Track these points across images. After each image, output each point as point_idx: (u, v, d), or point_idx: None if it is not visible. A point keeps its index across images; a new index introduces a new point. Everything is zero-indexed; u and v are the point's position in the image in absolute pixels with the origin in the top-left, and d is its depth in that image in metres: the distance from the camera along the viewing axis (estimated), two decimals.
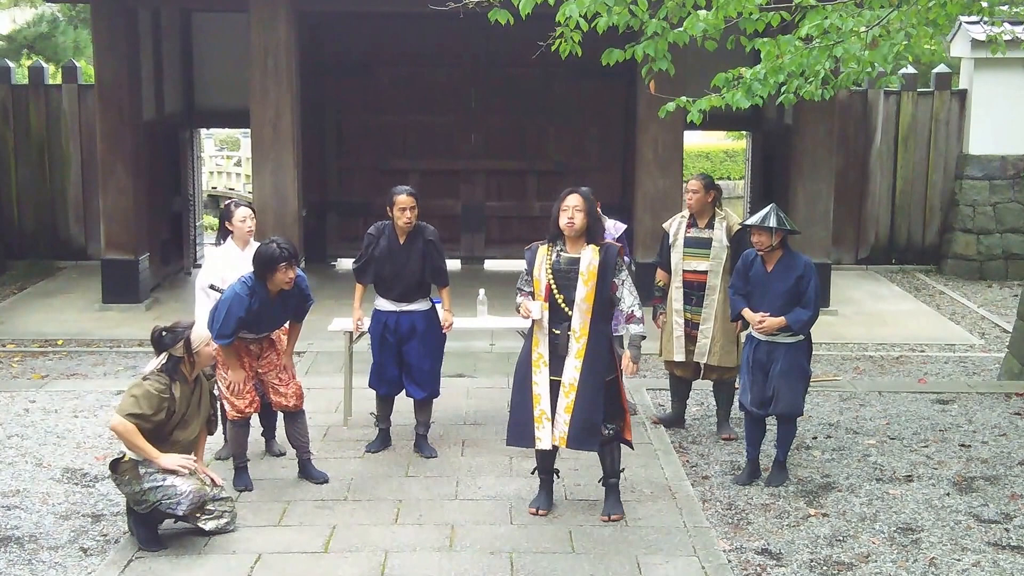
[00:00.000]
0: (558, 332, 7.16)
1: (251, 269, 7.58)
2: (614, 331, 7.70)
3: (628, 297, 7.19)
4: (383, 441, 8.59)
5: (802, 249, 13.40)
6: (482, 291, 9.45)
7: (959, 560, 6.74)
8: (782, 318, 7.70)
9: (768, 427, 8.26)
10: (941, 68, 16.76)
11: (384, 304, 8.39)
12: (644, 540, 6.98)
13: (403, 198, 8.17)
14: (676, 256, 8.75)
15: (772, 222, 7.67)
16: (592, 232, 7.16)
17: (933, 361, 11.72)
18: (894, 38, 7.25)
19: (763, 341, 7.86)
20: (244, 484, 7.73)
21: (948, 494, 7.78)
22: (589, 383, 7.12)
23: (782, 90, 7.45)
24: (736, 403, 8.76)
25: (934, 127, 16.50)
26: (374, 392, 8.62)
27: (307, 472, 7.91)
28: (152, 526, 6.86)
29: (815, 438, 8.84)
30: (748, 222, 7.94)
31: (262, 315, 7.56)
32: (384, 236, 8.31)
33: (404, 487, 7.85)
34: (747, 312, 7.88)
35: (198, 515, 6.90)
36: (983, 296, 14.90)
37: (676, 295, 8.77)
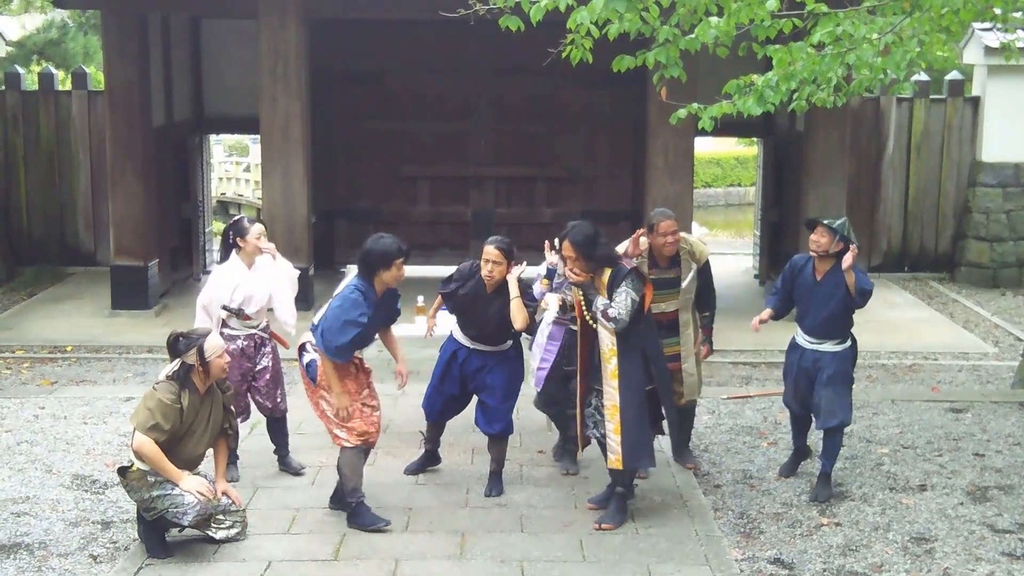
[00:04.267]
0: (592, 347, 7.41)
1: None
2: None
3: (615, 301, 7.08)
4: (425, 462, 8.31)
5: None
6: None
7: (973, 570, 6.70)
8: (854, 276, 7.60)
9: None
10: (954, 75, 16.69)
11: (460, 336, 7.96)
12: (655, 549, 6.95)
13: (490, 249, 7.68)
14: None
15: (837, 224, 7.72)
16: (604, 259, 7.23)
17: (946, 369, 11.66)
18: (907, 45, 7.22)
19: (809, 349, 7.88)
20: (373, 522, 7.28)
21: (962, 503, 7.73)
22: (631, 401, 7.18)
23: (794, 97, 7.41)
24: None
25: (947, 134, 16.43)
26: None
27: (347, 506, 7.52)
28: (160, 533, 6.85)
29: None
30: (816, 219, 7.90)
31: (371, 323, 7.20)
32: (474, 280, 7.77)
33: (414, 495, 7.82)
34: (765, 312, 7.96)
35: (209, 524, 6.88)
36: (996, 304, 14.83)
37: None
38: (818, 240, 7.76)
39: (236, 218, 8.26)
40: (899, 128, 16.45)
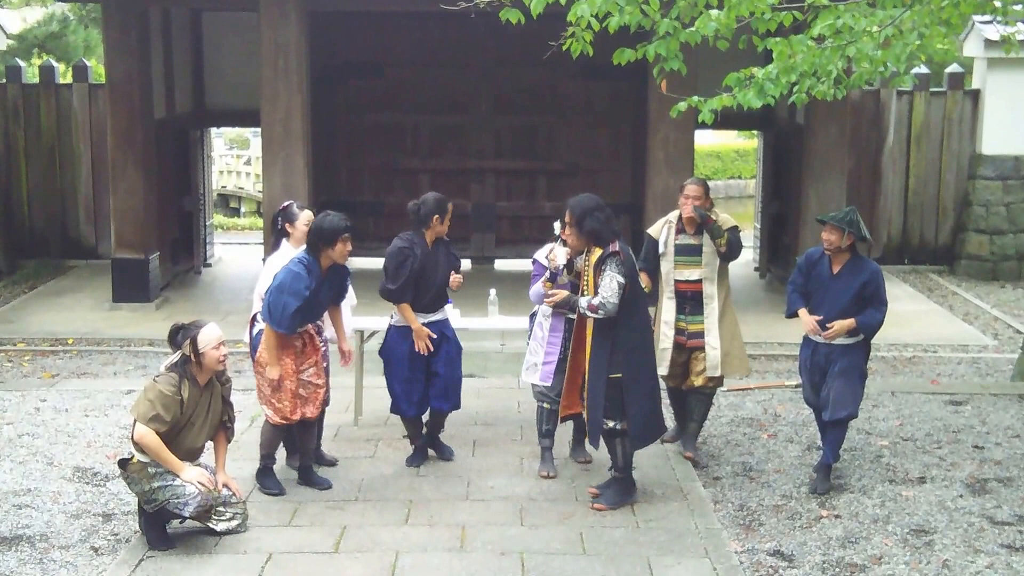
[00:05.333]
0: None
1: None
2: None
3: (600, 286, 7.20)
4: (423, 454, 8.36)
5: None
6: (493, 291, 9.42)
7: (972, 562, 6.71)
8: (851, 320, 7.64)
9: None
10: (954, 68, 16.69)
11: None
12: (655, 542, 6.96)
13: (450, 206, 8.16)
14: (667, 265, 8.28)
15: (841, 219, 7.68)
16: (598, 236, 7.31)
17: (946, 362, 11.68)
18: (907, 38, 7.22)
19: (821, 343, 7.82)
20: (271, 487, 7.64)
21: (961, 496, 7.75)
22: (595, 383, 7.31)
23: (794, 90, 7.42)
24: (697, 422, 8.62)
25: (947, 127, 16.44)
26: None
27: (308, 479, 7.76)
28: (161, 525, 6.87)
29: None
30: (822, 217, 7.91)
31: (315, 297, 7.38)
32: (417, 246, 7.99)
33: (415, 487, 7.84)
34: (803, 313, 7.84)
35: (210, 515, 6.89)
36: (996, 297, 14.85)
37: (667, 306, 8.30)
38: (828, 238, 7.72)
39: (284, 204, 8.26)
40: (899, 121, 16.45)
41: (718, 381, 8.38)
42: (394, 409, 8.22)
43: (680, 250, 8.25)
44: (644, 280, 8.11)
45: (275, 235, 8.20)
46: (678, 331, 8.26)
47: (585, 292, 7.35)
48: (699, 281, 8.23)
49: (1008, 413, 9.59)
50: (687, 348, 8.29)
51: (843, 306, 7.69)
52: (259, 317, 7.56)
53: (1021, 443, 8.83)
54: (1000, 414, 9.57)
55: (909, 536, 7.09)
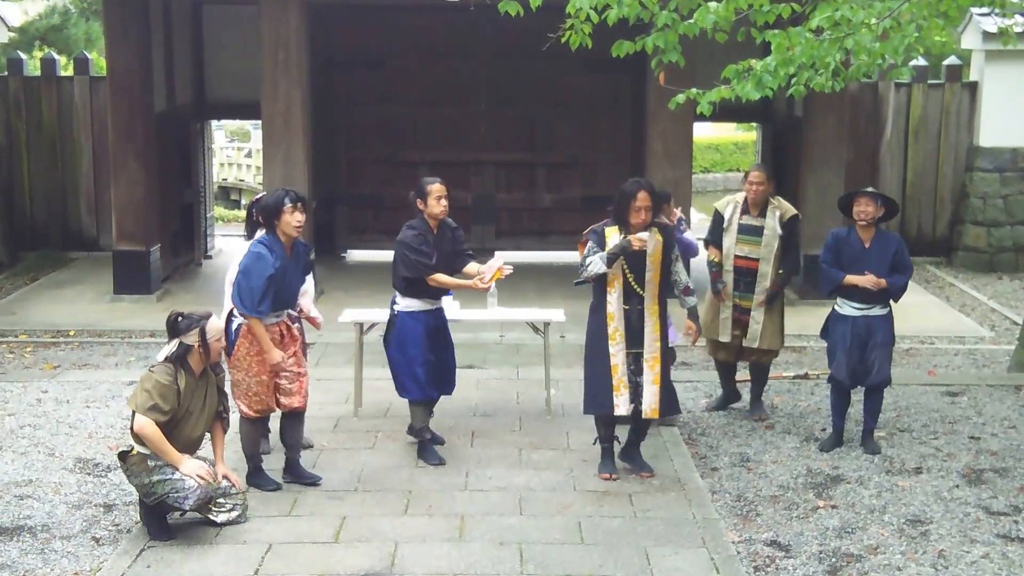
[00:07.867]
0: (628, 308, 7.69)
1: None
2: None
3: (683, 272, 7.86)
4: (437, 441, 8.39)
5: (811, 241, 13.47)
6: (492, 283, 9.44)
7: (968, 552, 6.75)
8: (883, 280, 8.17)
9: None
10: (952, 60, 16.70)
11: (417, 304, 8.16)
12: (653, 531, 7.00)
13: (438, 187, 8.15)
14: (729, 241, 8.92)
15: (879, 193, 8.26)
16: (613, 217, 7.73)
17: (943, 353, 11.70)
18: (905, 30, 7.25)
19: (860, 316, 8.31)
20: (267, 483, 7.56)
21: (957, 486, 7.79)
22: (664, 354, 7.77)
23: (792, 82, 7.45)
24: (760, 388, 9.32)
25: (945, 119, 16.45)
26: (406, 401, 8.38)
27: (297, 473, 7.71)
28: (162, 517, 6.90)
29: (824, 430, 8.84)
30: (855, 192, 8.39)
31: (284, 276, 7.38)
32: (425, 230, 8.11)
33: (414, 478, 7.88)
34: (852, 277, 8.22)
35: (210, 507, 6.93)
36: (993, 288, 14.87)
37: (726, 279, 8.94)
38: (865, 209, 8.21)
39: (258, 195, 8.34)
40: (897, 113, 16.47)
41: (770, 353, 9.10)
42: (413, 394, 8.18)
43: (743, 229, 8.89)
44: (713, 253, 8.99)
45: (250, 227, 8.16)
46: (735, 307, 8.96)
47: (649, 271, 7.66)
48: (757, 260, 8.84)
49: (1004, 404, 9.63)
50: (740, 322, 8.95)
51: (881, 275, 8.21)
52: (236, 313, 7.44)
53: (1017, 434, 8.87)
54: (996, 405, 9.61)
55: (905, 526, 7.13)
